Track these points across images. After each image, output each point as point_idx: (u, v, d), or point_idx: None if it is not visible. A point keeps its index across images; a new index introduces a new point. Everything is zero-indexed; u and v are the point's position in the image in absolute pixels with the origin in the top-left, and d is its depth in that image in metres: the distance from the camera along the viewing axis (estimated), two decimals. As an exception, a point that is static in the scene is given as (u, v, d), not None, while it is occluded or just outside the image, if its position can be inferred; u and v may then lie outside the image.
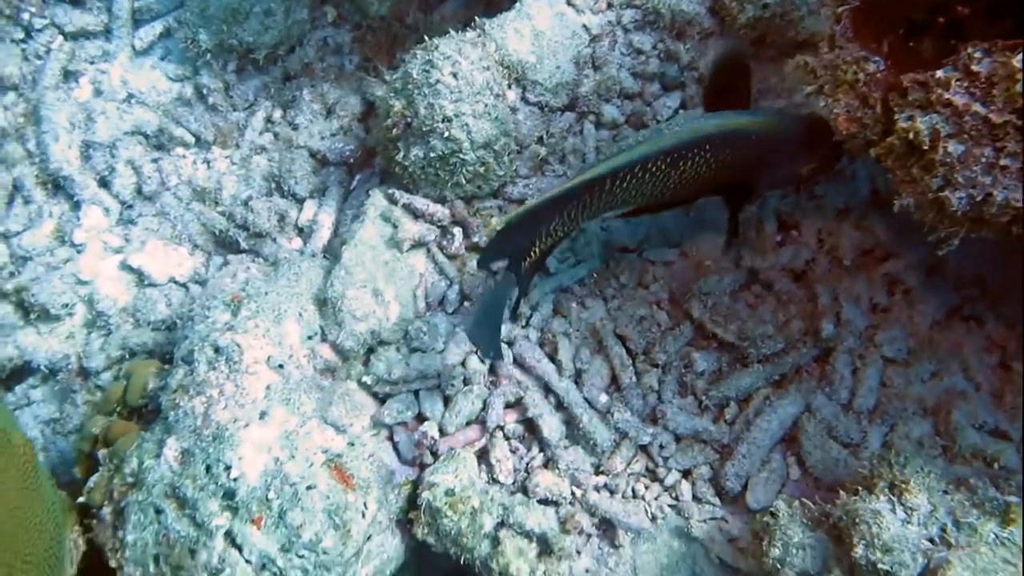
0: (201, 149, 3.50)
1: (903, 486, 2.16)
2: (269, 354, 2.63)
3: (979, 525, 2.12)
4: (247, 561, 2.37)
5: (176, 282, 3.30)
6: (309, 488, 2.46)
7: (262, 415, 2.53)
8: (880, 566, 2.03)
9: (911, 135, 1.90)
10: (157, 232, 3.35)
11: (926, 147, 1.89)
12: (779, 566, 2.20)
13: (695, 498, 2.66)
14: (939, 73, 1.84)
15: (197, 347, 2.60)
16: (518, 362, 2.83)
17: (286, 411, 2.56)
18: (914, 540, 2.08)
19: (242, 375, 2.55)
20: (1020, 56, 1.73)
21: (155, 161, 3.40)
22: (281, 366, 2.64)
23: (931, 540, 2.13)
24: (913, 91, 1.91)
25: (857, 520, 2.09)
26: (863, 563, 2.05)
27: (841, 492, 2.22)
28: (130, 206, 3.39)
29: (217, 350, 2.58)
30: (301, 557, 2.40)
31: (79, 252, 3.25)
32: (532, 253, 2.47)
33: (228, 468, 2.40)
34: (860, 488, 2.23)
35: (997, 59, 1.76)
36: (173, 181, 3.40)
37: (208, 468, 2.41)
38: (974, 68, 1.79)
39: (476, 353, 2.81)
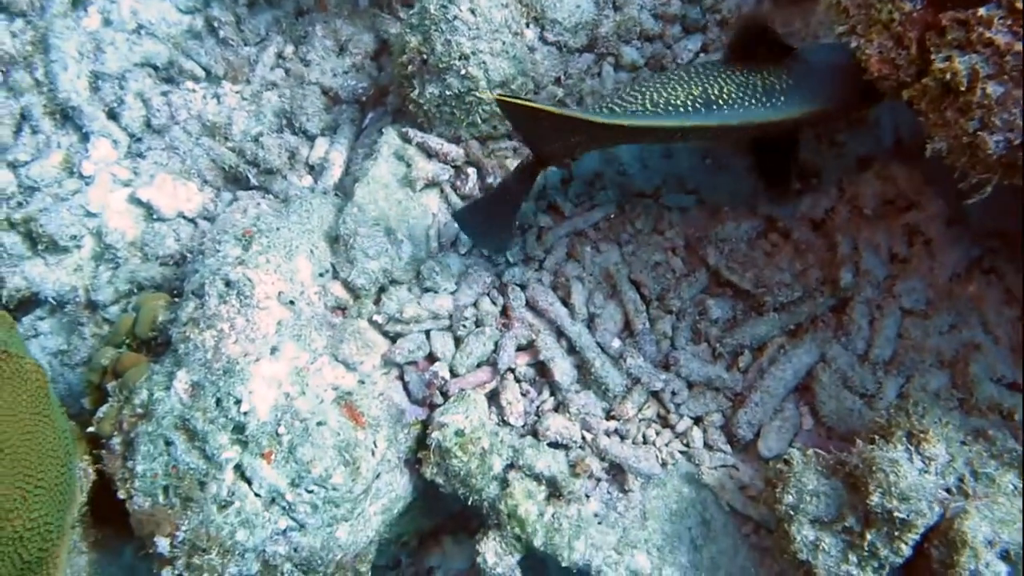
0: (211, 83, 3.43)
1: (921, 435, 2.14)
2: (280, 289, 2.60)
3: (997, 476, 2.11)
4: (256, 494, 2.37)
5: (185, 217, 3.25)
6: (320, 424, 2.45)
7: (273, 350, 2.50)
8: (896, 514, 2.02)
9: (948, 76, 1.85)
10: (166, 166, 3.30)
11: (963, 88, 1.84)
12: (792, 512, 2.19)
13: (706, 445, 2.65)
14: (981, 11, 1.78)
15: (208, 280, 2.57)
16: (530, 304, 2.80)
17: (297, 347, 2.54)
18: (931, 489, 2.06)
19: (253, 309, 2.52)
20: (1068, -8, 1.67)
21: (165, 94, 3.33)
22: (292, 302, 2.60)
23: (948, 490, 2.12)
24: (952, 30, 1.85)
25: (874, 468, 2.07)
26: (879, 511, 2.04)
27: (858, 440, 2.20)
28: (139, 139, 3.32)
29: (228, 284, 2.55)
30: (311, 492, 2.40)
31: (87, 184, 3.20)
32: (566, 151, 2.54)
33: (238, 402, 2.39)
34: (877, 437, 2.21)
35: (1044, -4, 1.70)
36: (183, 115, 3.34)
37: (218, 401, 2.40)
38: (1018, 5, 1.73)
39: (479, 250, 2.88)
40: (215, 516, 2.33)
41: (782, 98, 2.48)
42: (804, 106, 2.50)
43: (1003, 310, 2.65)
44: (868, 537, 2.07)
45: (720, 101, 2.44)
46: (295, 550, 2.40)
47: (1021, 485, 2.08)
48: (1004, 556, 1.97)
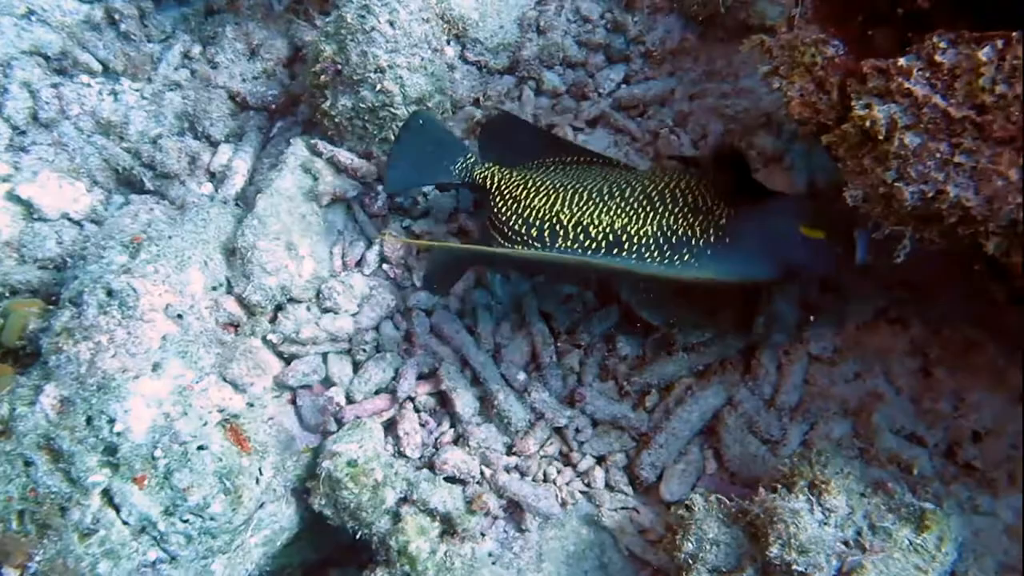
0: (108, 79, 3.23)
1: (823, 486, 2.10)
2: (168, 302, 2.42)
3: (894, 530, 2.08)
4: (125, 522, 2.18)
5: (70, 219, 3.03)
6: (200, 448, 2.28)
7: (155, 367, 2.32)
8: (795, 567, 1.97)
9: (867, 123, 1.83)
10: (52, 163, 3.07)
11: (881, 137, 1.81)
12: (691, 561, 2.12)
13: (608, 486, 2.57)
14: (901, 61, 1.77)
15: (88, 288, 2.37)
16: (435, 331, 2.70)
17: (182, 364, 2.37)
18: (830, 542, 2.02)
19: (136, 322, 2.34)
20: (986, 49, 1.66)
21: (55, 86, 3.11)
22: (180, 316, 2.43)
23: (846, 543, 2.08)
24: (873, 78, 1.83)
25: (775, 518, 2.03)
26: (777, 562, 1.99)
27: (760, 489, 2.15)
28: (23, 132, 3.09)
29: (110, 293, 2.36)
30: (185, 522, 2.22)
31: (-39, 176, 2.97)
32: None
33: (112, 421, 2.20)
34: (780, 485, 2.17)
35: (962, 50, 1.69)
36: (75, 110, 3.12)
37: (89, 420, 2.20)
38: (938, 58, 1.72)
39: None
40: (75, 546, 2.13)
41: (704, 255, 2.29)
42: (725, 274, 2.28)
43: (907, 361, 2.66)
44: (766, 589, 2.02)
45: (634, 241, 2.33)
46: (164, 584, 2.22)
47: (916, 540, 2.06)
48: (899, 613, 1.95)
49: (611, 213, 2.36)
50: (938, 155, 1.77)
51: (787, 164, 2.86)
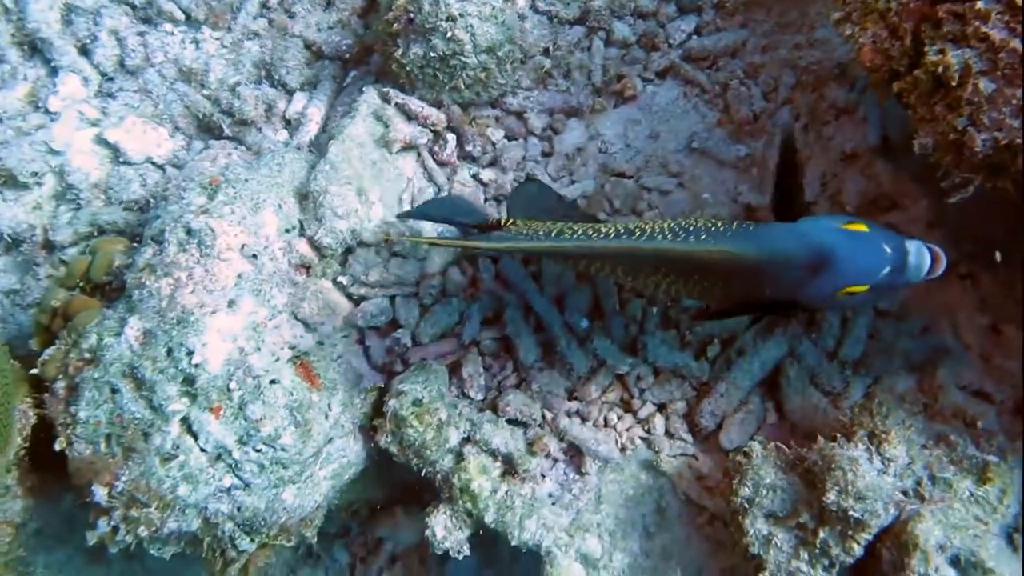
0: (190, 28, 3.32)
1: (883, 436, 2.11)
2: (243, 242, 2.52)
3: (955, 481, 2.08)
4: (202, 449, 2.31)
5: (153, 163, 3.15)
6: (273, 382, 2.38)
7: (230, 303, 2.43)
8: (851, 513, 1.99)
9: (940, 69, 1.80)
10: (137, 109, 3.19)
11: (954, 83, 1.79)
12: (747, 505, 2.15)
13: (667, 433, 2.60)
14: (979, 4, 1.73)
15: (168, 227, 2.48)
16: (500, 278, 2.74)
17: (256, 302, 2.46)
18: (888, 491, 2.03)
19: (213, 260, 2.45)
20: (1069, -10, 1.62)
21: (141, 35, 3.21)
22: (255, 256, 2.53)
23: (905, 492, 2.09)
24: (948, 22, 1.79)
25: (833, 465, 2.04)
26: (833, 508, 2.01)
27: (819, 437, 2.16)
28: (111, 78, 3.21)
29: (189, 232, 2.47)
30: (258, 451, 2.33)
31: (53, 120, 3.09)
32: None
33: (190, 353, 2.31)
34: (839, 435, 2.17)
35: (1044, -8, 1.65)
36: (158, 58, 3.23)
37: (170, 351, 2.32)
38: (1018, 1, 1.67)
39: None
40: (157, 468, 2.26)
41: (723, 236, 2.05)
42: (744, 248, 1.98)
43: (976, 317, 2.61)
44: (821, 535, 2.04)
45: (646, 230, 2.12)
46: (238, 509, 2.34)
47: (977, 492, 2.05)
48: (954, 562, 1.95)
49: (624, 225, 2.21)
50: (1014, 101, 1.73)
51: (859, 116, 2.81)
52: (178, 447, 2.28)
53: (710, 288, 2.09)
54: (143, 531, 2.26)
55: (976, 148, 1.80)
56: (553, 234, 2.22)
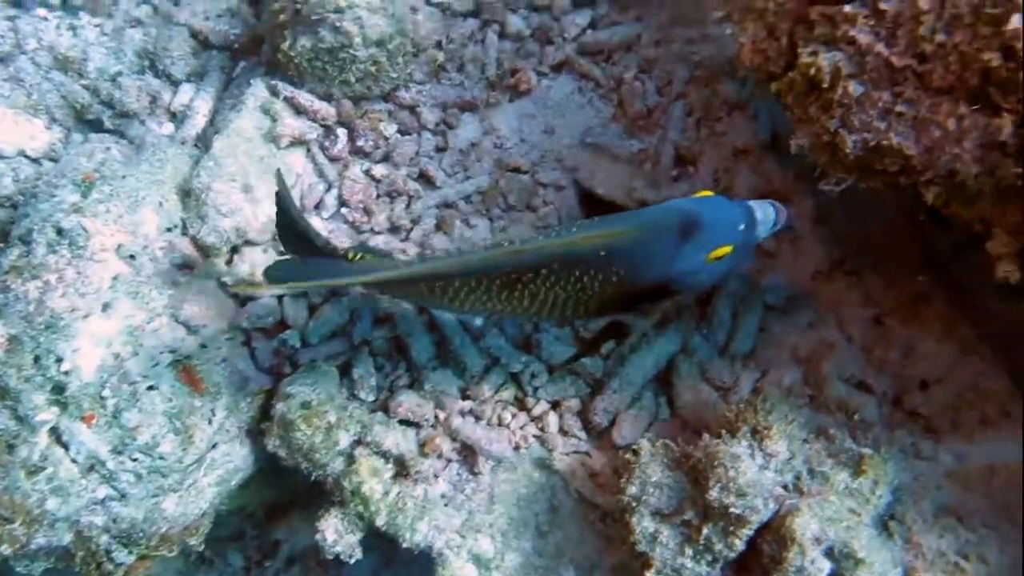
0: (67, 13, 3.15)
1: (765, 432, 2.14)
2: (120, 242, 2.41)
3: (832, 474, 2.13)
4: (73, 460, 2.20)
5: (27, 156, 2.99)
6: (150, 388, 2.30)
7: (105, 307, 2.32)
8: (732, 510, 2.01)
9: (812, 71, 1.82)
10: (9, 99, 3.01)
11: (826, 85, 1.81)
12: (634, 503, 2.16)
13: (561, 430, 2.59)
14: (847, 8, 1.76)
15: (37, 227, 2.36)
16: (393, 276, 2.70)
17: (133, 304, 2.37)
18: (768, 486, 2.06)
19: (86, 261, 2.34)
20: (929, -3, 1.65)
21: (11, 19, 3.05)
22: (133, 256, 2.42)
23: (785, 487, 2.13)
24: (820, 24, 1.82)
25: (716, 463, 2.06)
26: (716, 505, 2.03)
27: (704, 434, 2.18)
28: (-22, 67, 3.05)
29: (60, 232, 2.35)
30: (135, 460, 2.25)
31: (-87, 111, 2.92)
32: None
33: (60, 360, 2.21)
34: (724, 431, 2.20)
35: (906, -2, 1.68)
36: (31, 45, 3.05)
37: (37, 359, 2.21)
38: (881, 6, 1.70)
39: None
40: (22, 482, 2.16)
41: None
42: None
43: (860, 311, 2.68)
44: (704, 531, 2.06)
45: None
46: (114, 521, 2.25)
47: (852, 484, 2.10)
48: (829, 553, 2.00)
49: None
50: (880, 104, 1.77)
51: (751, 112, 2.85)
52: (46, 458, 2.18)
53: (590, 286, 2.06)
54: (6, 549, 2.15)
55: (847, 150, 1.82)
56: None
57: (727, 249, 2.04)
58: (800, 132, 1.95)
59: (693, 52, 2.93)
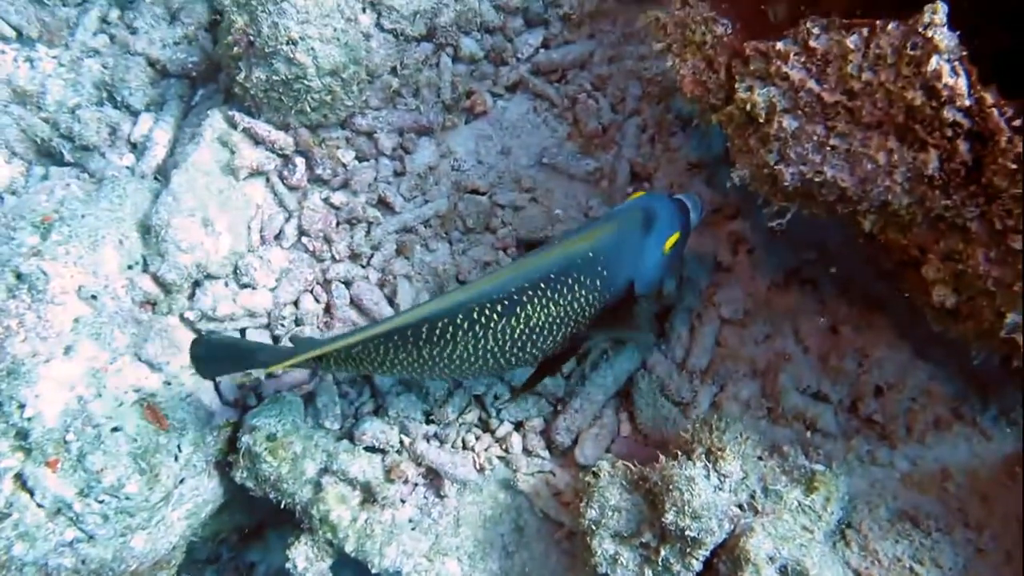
0: (24, 45, 3.16)
1: (719, 453, 2.18)
2: (80, 283, 2.43)
3: (785, 492, 2.18)
4: (39, 505, 2.23)
5: (-12, 191, 3.01)
6: (115, 430, 2.32)
7: (67, 349, 2.35)
8: (688, 532, 2.05)
9: (749, 106, 1.86)
10: (-33, 135, 3.03)
11: (762, 120, 1.85)
12: (594, 527, 2.20)
13: (525, 450, 2.64)
14: (779, 45, 1.80)
15: (-4, 272, 2.38)
16: (355, 303, 2.73)
17: (96, 346, 2.39)
18: (723, 507, 2.11)
19: (47, 305, 2.36)
20: (853, 37, 1.69)
21: (-33, 55, 3.06)
22: (94, 296, 2.45)
23: (740, 506, 2.18)
24: (754, 60, 1.86)
25: (671, 486, 2.10)
26: (672, 528, 2.08)
27: (661, 457, 2.22)
28: (-65, 102, 3.05)
29: (19, 276, 2.37)
30: (101, 502, 2.27)
31: None
32: None
33: (23, 406, 2.23)
34: (679, 452, 2.24)
35: (833, 37, 1.72)
36: (-12, 79, 3.08)
37: (0, 405, 2.23)
38: (812, 44, 1.75)
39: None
40: (-11, 529, 2.19)
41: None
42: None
43: (816, 320, 2.73)
44: (662, 553, 2.11)
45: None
46: (83, 562, 2.28)
47: (804, 501, 2.15)
48: (783, 571, 2.04)
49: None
50: (815, 138, 1.81)
51: (703, 128, 2.89)
52: (12, 505, 2.20)
53: (579, 295, 2.14)
54: (-25, 595, 2.19)
55: (785, 181, 1.87)
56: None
57: (676, 237, 2.26)
58: (740, 163, 2.00)
59: (645, 68, 2.97)
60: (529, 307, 2.12)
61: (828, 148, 1.79)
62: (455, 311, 2.08)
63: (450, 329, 2.10)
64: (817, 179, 1.81)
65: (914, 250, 1.90)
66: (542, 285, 2.11)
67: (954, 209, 1.72)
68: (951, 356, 2.54)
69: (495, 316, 2.11)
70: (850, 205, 1.86)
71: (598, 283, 2.17)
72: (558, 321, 2.18)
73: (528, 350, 2.22)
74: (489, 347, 2.17)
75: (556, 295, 2.13)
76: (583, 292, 2.16)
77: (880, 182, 1.75)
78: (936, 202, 1.72)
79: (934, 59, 1.57)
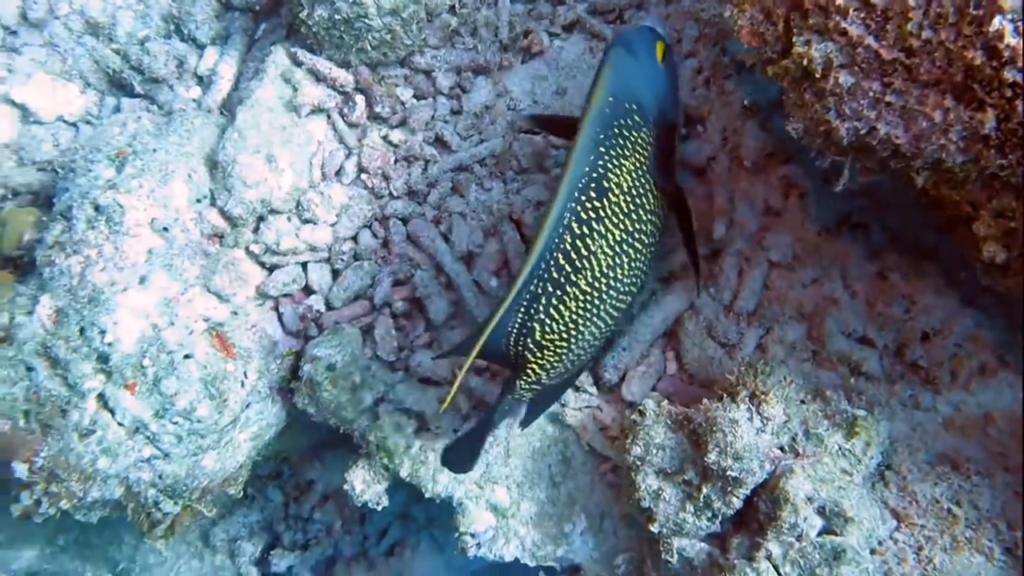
0: (95, -24, 3.24)
1: (763, 396, 2.24)
2: (153, 216, 2.55)
3: (826, 436, 2.24)
4: (120, 424, 2.39)
5: (65, 121, 3.12)
6: (187, 357, 2.46)
7: (142, 280, 2.48)
8: (729, 472, 2.14)
9: (805, 61, 1.87)
10: (45, 65, 3.13)
11: (818, 75, 1.86)
12: (639, 463, 2.30)
13: (573, 386, 2.73)
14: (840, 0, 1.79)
15: (76, 203, 2.51)
16: (411, 239, 2.81)
17: (167, 277, 2.52)
18: (764, 449, 2.19)
19: (122, 237, 2.48)
20: (918, -7, 1.68)
21: (42, -17, 3.14)
22: (166, 229, 2.57)
23: (782, 448, 2.25)
24: (813, 14, 1.85)
25: (714, 427, 2.18)
26: (714, 468, 2.16)
27: (704, 400, 2.30)
28: (14, 32, 3.13)
29: (97, 208, 2.50)
30: (175, 424, 2.43)
31: (-46, 80, 3.05)
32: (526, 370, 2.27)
33: (103, 332, 2.37)
34: (724, 394, 2.31)
35: (896, -7, 1.71)
36: (63, 9, 3.14)
37: (82, 330, 2.38)
38: (872, 0, 1.74)
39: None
40: (76, 444, 2.35)
41: None
42: None
43: (865, 265, 2.74)
44: (704, 490, 2.20)
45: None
46: (159, 477, 2.45)
47: (845, 446, 2.22)
48: (821, 511, 2.12)
49: None
50: (871, 94, 1.82)
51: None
52: (95, 423, 2.37)
53: (636, 152, 2.25)
54: (64, 504, 2.37)
55: (840, 137, 1.89)
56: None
57: (661, 44, 2.38)
58: (795, 117, 2.01)
59: (703, 9, 2.95)
60: (610, 174, 2.17)
61: (884, 105, 1.80)
62: (561, 218, 2.12)
63: (576, 240, 2.15)
64: (871, 135, 1.82)
65: (966, 206, 1.92)
66: (601, 149, 2.16)
67: (1009, 168, 1.73)
68: (999, 304, 2.55)
69: (595, 201, 2.15)
70: (903, 161, 1.88)
71: (638, 119, 2.25)
72: (640, 171, 2.24)
73: (647, 219, 2.27)
74: (616, 238, 2.20)
75: (619, 148, 2.19)
76: (634, 133, 2.23)
77: (935, 140, 1.76)
78: (991, 161, 1.73)
79: (997, 19, 1.57)
